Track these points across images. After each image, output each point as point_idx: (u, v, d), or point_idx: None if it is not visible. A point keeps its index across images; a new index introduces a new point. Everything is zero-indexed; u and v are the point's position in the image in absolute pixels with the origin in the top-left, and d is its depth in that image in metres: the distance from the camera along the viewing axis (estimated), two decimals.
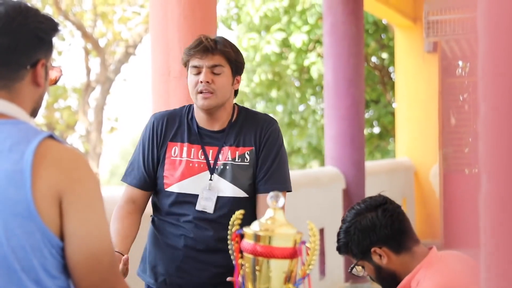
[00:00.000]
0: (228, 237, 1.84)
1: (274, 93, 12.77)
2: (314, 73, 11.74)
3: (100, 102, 15.84)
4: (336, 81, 6.64)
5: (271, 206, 1.73)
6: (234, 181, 2.49)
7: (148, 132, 2.58)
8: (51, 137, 1.48)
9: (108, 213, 1.53)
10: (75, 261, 1.46)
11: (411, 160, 9.32)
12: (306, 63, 11.84)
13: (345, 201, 6.59)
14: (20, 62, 1.52)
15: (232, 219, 1.85)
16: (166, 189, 2.52)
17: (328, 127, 6.72)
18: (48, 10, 14.35)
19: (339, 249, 2.39)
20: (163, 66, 3.85)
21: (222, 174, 2.49)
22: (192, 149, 2.52)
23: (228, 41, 2.55)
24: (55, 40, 1.59)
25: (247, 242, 1.71)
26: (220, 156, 2.51)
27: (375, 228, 2.29)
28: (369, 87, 12.72)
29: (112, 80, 15.93)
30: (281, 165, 2.56)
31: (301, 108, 13.30)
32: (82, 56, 16.14)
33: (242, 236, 1.78)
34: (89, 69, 15.98)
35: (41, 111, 1.64)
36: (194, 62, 2.49)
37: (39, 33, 1.53)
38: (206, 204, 2.48)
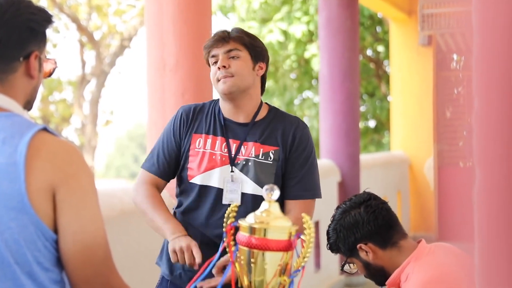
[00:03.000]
0: (223, 229, 1.85)
1: (270, 85, 12.74)
2: (315, 66, 11.71)
3: (95, 95, 15.80)
4: (331, 75, 6.64)
5: (266, 198, 1.74)
6: (256, 179, 2.45)
7: (173, 122, 2.59)
8: (45, 130, 1.47)
9: (103, 206, 1.53)
10: (69, 255, 1.46)
11: (405, 153, 9.33)
12: (306, 55, 11.81)
13: (340, 194, 6.61)
14: (12, 54, 1.52)
15: (227, 212, 1.85)
16: (190, 181, 2.51)
17: (323, 120, 6.73)
18: (43, 2, 14.30)
19: (330, 247, 2.42)
20: (158, 59, 3.85)
21: (243, 170, 2.46)
22: (217, 141, 2.51)
23: (243, 29, 2.57)
24: (48, 31, 1.59)
25: (242, 235, 1.72)
26: (242, 150, 2.49)
27: (358, 225, 2.32)
28: (364, 80, 12.73)
29: (107, 73, 15.89)
30: (311, 171, 2.53)
31: (298, 100, 13.30)
32: (77, 49, 16.11)
33: (237, 229, 1.78)
34: (84, 62, 15.93)
35: (36, 103, 1.64)
36: (212, 52, 2.52)
37: (31, 25, 1.53)
38: (232, 197, 2.45)
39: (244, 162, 2.47)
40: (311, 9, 11.47)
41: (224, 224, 1.86)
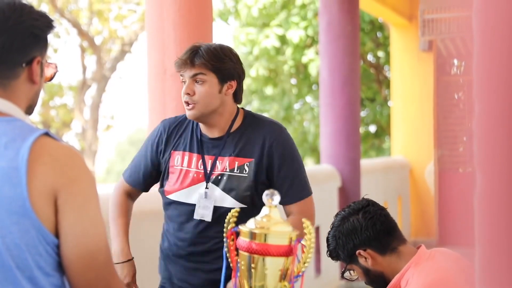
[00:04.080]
0: (224, 234, 1.85)
1: (269, 90, 12.75)
2: (312, 71, 11.72)
3: (96, 100, 15.81)
4: (331, 80, 6.64)
5: (267, 204, 1.74)
6: (230, 192, 2.46)
7: (153, 136, 2.62)
8: (47, 134, 1.47)
9: (104, 211, 1.54)
10: (70, 259, 1.46)
11: (406, 159, 9.33)
12: (304, 60, 11.82)
13: (340, 199, 6.60)
14: (15, 60, 1.52)
15: (228, 217, 1.85)
16: (166, 196, 2.55)
17: (324, 125, 6.73)
18: (44, 7, 14.31)
19: (330, 254, 2.43)
20: (159, 64, 3.85)
21: (218, 184, 2.47)
22: (193, 158, 2.51)
23: (212, 50, 2.47)
24: (50, 37, 1.59)
25: (243, 240, 1.72)
26: (218, 165, 2.48)
27: (356, 231, 2.33)
28: (365, 85, 12.73)
29: (108, 78, 15.90)
30: (299, 170, 2.53)
31: (297, 105, 13.30)
32: (78, 54, 16.13)
33: (237, 234, 1.78)
34: (85, 67, 15.95)
35: (37, 108, 1.64)
36: (180, 74, 2.50)
37: (34, 31, 1.53)
38: (203, 213, 2.47)
39: (219, 177, 2.47)
40: (309, 14, 11.49)
41: (224, 230, 1.86)
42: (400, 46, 9.38)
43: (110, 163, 33.06)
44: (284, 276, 1.72)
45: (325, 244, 2.45)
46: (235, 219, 1.85)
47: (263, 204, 2.49)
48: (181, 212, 2.51)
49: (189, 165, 2.51)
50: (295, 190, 2.52)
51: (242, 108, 2.59)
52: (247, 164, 2.48)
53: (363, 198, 2.44)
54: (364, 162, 7.87)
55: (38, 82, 1.57)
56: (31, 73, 1.55)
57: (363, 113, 12.93)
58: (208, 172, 2.48)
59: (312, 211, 2.58)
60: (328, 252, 2.43)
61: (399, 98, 9.45)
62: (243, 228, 1.73)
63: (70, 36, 16.09)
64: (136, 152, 2.70)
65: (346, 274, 2.41)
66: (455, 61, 8.53)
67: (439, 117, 8.64)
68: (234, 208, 2.41)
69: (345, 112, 6.64)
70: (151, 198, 3.77)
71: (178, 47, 3.80)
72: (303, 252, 1.75)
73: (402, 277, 2.29)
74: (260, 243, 1.69)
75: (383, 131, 13.27)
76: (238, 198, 2.45)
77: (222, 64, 2.46)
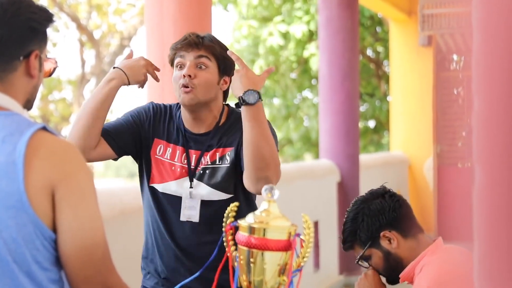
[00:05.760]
0: (223, 229, 1.85)
1: (270, 85, 12.74)
2: (313, 65, 11.71)
3: None
4: (331, 75, 6.64)
5: (266, 198, 1.74)
6: (214, 185, 2.38)
7: (140, 110, 2.50)
8: (44, 129, 1.47)
9: (102, 205, 1.54)
10: (68, 254, 1.46)
11: (405, 154, 9.33)
12: (305, 54, 11.81)
13: (339, 194, 6.61)
14: (12, 53, 1.51)
15: (227, 212, 1.85)
16: (150, 184, 2.45)
17: (323, 120, 6.73)
18: (43, 1, 14.30)
19: (344, 240, 2.38)
20: (158, 59, 3.85)
21: (201, 178, 2.39)
22: (177, 151, 2.43)
23: (216, 38, 2.44)
24: (49, 31, 1.59)
25: (242, 234, 1.72)
26: (202, 160, 2.41)
27: (384, 212, 2.33)
28: (364, 80, 12.73)
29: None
30: None
31: (297, 100, 13.30)
32: (77, 48, 16.12)
33: (236, 229, 1.78)
34: (84, 61, 15.93)
35: (36, 102, 1.63)
36: (178, 57, 2.42)
37: (32, 24, 1.53)
38: (190, 214, 2.40)
39: (201, 171, 2.40)
40: (312, 9, 11.47)
41: (223, 224, 1.86)
42: (399, 41, 9.38)
43: None
44: (283, 270, 1.72)
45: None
46: (234, 213, 1.84)
47: (250, 194, 2.45)
48: (168, 206, 2.43)
49: (172, 157, 2.43)
50: None
51: (227, 104, 2.53)
52: (228, 153, 2.40)
53: (382, 185, 2.46)
54: (363, 157, 7.87)
55: (36, 76, 1.56)
56: (29, 66, 1.54)
57: (362, 108, 12.94)
58: (193, 168, 2.41)
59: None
60: (343, 238, 2.38)
61: (398, 93, 9.46)
62: (242, 222, 1.73)
63: (69, 30, 16.11)
64: None
65: (360, 261, 2.39)
66: (455, 57, 8.54)
67: (438, 113, 8.65)
68: (219, 200, 2.36)
69: (344, 107, 6.64)
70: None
71: None
72: (302, 246, 1.75)
73: (417, 264, 2.31)
74: (259, 237, 1.69)
75: (382, 126, 13.28)
76: (222, 189, 2.38)
77: (226, 54, 2.41)
